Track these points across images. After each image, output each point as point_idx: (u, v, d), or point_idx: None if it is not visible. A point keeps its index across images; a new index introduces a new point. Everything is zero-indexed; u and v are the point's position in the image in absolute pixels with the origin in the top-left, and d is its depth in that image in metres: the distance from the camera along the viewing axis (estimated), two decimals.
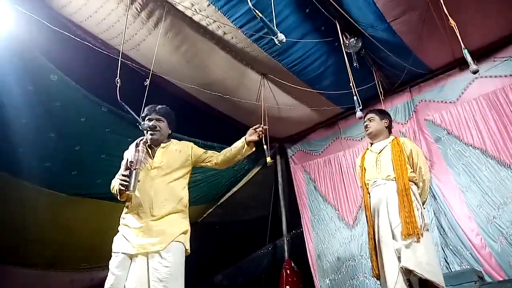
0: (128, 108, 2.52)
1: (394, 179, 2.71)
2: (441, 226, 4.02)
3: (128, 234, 2.27)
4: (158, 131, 2.50)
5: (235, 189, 6.03)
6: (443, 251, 3.89)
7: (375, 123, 2.99)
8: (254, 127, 2.57)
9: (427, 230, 2.56)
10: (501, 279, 3.38)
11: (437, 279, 2.38)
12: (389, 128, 3.05)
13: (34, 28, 3.15)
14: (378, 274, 2.67)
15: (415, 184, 2.76)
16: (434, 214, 4.10)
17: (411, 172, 2.74)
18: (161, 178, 2.40)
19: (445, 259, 3.85)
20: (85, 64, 3.58)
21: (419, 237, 2.43)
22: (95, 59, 3.56)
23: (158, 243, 2.21)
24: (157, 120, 2.53)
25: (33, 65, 3.24)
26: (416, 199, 2.63)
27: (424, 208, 2.74)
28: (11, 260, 4.22)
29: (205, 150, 2.64)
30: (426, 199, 2.87)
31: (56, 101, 3.51)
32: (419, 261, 2.41)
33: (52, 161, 3.77)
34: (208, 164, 2.63)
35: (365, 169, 2.95)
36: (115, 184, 2.35)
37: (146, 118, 2.54)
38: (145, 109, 2.59)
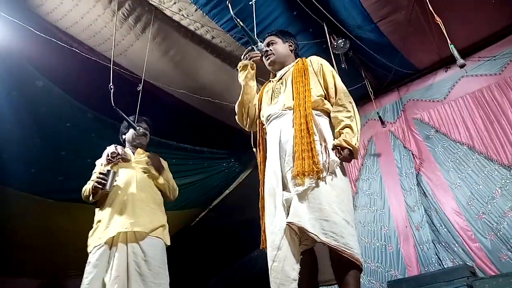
0: (122, 114, 2.53)
1: (292, 107, 1.89)
2: (433, 223, 4.07)
3: (105, 221, 2.28)
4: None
5: (227, 191, 6.02)
6: (435, 247, 3.93)
7: (279, 46, 2.19)
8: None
9: (336, 174, 1.73)
10: (493, 274, 3.42)
11: (340, 243, 1.54)
12: (295, 53, 2.25)
13: (19, 33, 3.11)
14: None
15: (326, 114, 1.94)
16: (425, 211, 4.13)
17: (318, 96, 1.91)
18: (141, 175, 2.49)
19: (437, 255, 3.89)
20: (71, 70, 3.54)
21: (319, 179, 1.65)
22: (82, 65, 3.52)
23: (138, 225, 2.22)
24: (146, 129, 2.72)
25: (18, 71, 3.21)
26: (320, 131, 1.80)
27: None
28: None
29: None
30: (358, 136, 1.80)
31: (41, 107, 3.48)
32: (315, 215, 1.59)
33: (38, 166, 3.73)
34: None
35: (262, 105, 2.16)
36: (88, 187, 2.40)
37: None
38: (131, 117, 2.69)
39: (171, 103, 4.55)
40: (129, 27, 3.55)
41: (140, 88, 3.01)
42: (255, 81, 2.20)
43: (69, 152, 3.84)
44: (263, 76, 4.37)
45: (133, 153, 2.62)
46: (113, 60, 2.91)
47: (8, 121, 3.35)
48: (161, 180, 2.56)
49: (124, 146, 2.68)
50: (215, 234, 6.17)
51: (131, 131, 2.65)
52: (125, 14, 3.43)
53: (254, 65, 2.19)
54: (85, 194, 2.43)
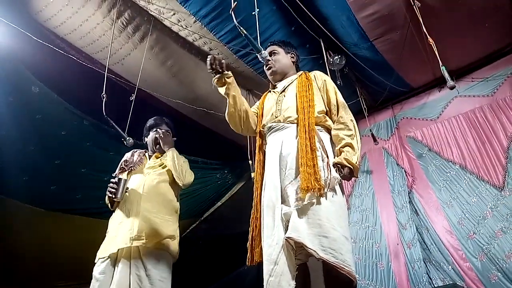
0: (113, 123, 2.53)
1: (295, 121, 1.91)
2: (424, 242, 4.06)
3: (112, 232, 2.24)
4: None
5: (219, 203, 5.98)
6: (426, 266, 3.91)
7: (281, 56, 2.19)
8: None
9: (336, 190, 1.74)
10: None
11: (339, 260, 1.52)
12: (296, 64, 2.27)
13: (17, 39, 3.12)
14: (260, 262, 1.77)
15: (327, 130, 1.94)
16: (417, 229, 4.13)
17: (320, 112, 1.92)
18: (150, 182, 2.41)
19: (428, 274, 3.87)
20: (68, 77, 3.54)
21: (321, 195, 1.65)
22: (79, 72, 3.53)
23: (139, 239, 2.15)
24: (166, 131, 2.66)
25: (15, 76, 3.20)
26: (323, 147, 1.81)
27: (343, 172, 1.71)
28: None
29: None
30: (359, 154, 1.80)
31: (37, 113, 3.45)
32: (314, 231, 1.58)
33: (31, 175, 3.67)
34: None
35: (262, 115, 2.13)
36: (106, 197, 2.36)
37: (155, 129, 2.60)
38: (152, 119, 2.66)
39: (167, 113, 4.55)
40: (128, 36, 3.57)
41: (133, 97, 3.01)
42: (237, 85, 2.05)
43: (64, 161, 3.79)
44: (258, 88, 4.40)
45: (149, 158, 2.55)
46: (108, 68, 2.92)
47: (3, 128, 3.32)
48: (169, 162, 2.46)
49: (147, 149, 2.64)
50: (205, 247, 6.10)
51: (151, 135, 2.59)
52: (124, 23, 3.46)
53: (230, 73, 1.99)
54: (106, 203, 2.41)
